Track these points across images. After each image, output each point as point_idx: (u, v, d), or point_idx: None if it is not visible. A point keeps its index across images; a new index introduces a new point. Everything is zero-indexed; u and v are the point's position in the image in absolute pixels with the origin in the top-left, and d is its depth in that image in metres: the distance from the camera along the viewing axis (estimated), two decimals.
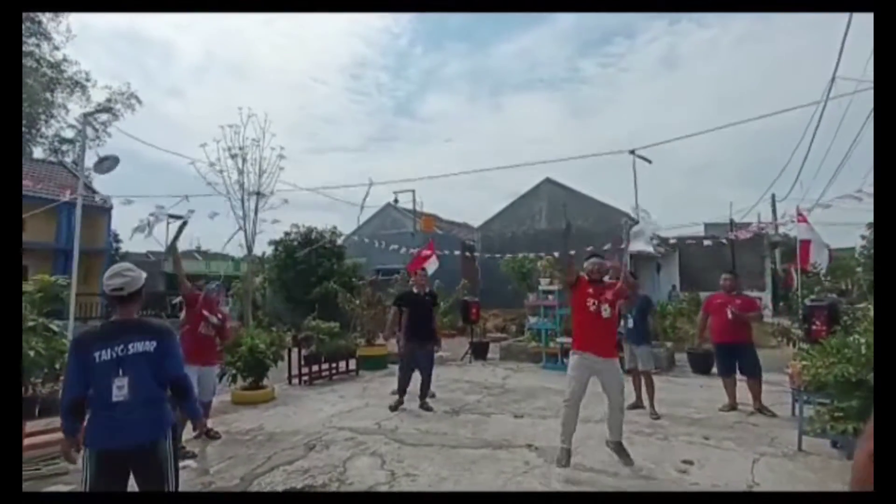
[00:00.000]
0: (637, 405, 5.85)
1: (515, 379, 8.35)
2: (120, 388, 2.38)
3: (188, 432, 4.88)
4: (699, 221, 25.98)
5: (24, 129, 21.79)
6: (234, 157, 12.34)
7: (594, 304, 4.10)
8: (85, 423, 2.42)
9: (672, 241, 17.16)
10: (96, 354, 2.37)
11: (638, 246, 4.67)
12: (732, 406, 5.93)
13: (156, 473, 2.44)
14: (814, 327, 5.89)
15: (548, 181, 21.00)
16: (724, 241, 14.18)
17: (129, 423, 2.38)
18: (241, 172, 12.37)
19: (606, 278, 4.41)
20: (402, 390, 6.25)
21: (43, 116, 23.81)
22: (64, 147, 25.45)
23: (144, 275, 2.63)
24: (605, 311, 4.09)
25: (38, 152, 23.72)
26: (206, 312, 4.93)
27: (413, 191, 18.42)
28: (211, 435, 4.94)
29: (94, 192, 16.20)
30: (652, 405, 5.76)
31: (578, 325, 4.28)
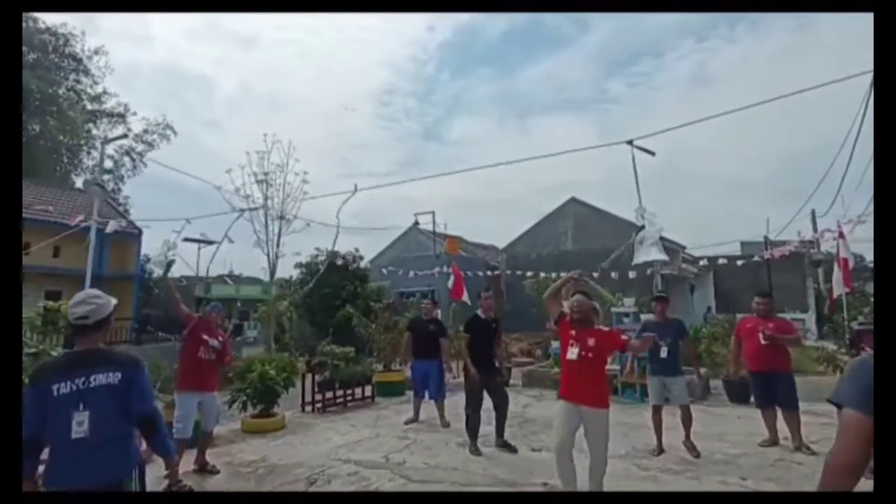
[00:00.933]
0: (659, 452, 5.17)
1: (537, 408, 7.92)
2: (80, 424, 2.21)
3: (187, 463, 4.73)
4: (735, 240, 25.02)
5: (65, 160, 22.84)
6: (259, 182, 12.55)
7: (574, 348, 3.76)
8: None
9: (703, 263, 16.45)
10: (55, 387, 2.21)
11: (650, 255, 4.27)
12: (773, 441, 5.39)
13: None
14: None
15: (573, 201, 20.64)
16: (758, 258, 13.41)
17: (91, 463, 2.21)
18: (266, 197, 12.57)
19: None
20: (473, 433, 5.51)
21: (85, 147, 25.01)
22: (105, 177, 26.61)
23: (114, 301, 2.48)
24: (577, 357, 3.72)
25: (79, 182, 24.84)
26: (205, 336, 4.76)
27: (433, 213, 18.41)
28: (209, 470, 4.75)
29: (124, 217, 16.70)
30: (688, 437, 5.26)
31: (563, 369, 3.96)
